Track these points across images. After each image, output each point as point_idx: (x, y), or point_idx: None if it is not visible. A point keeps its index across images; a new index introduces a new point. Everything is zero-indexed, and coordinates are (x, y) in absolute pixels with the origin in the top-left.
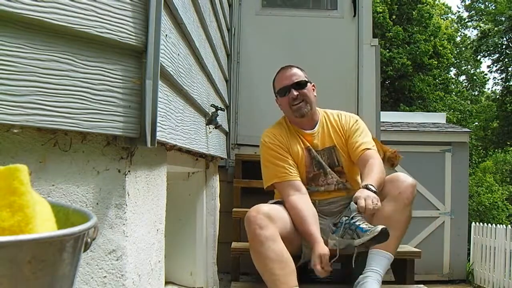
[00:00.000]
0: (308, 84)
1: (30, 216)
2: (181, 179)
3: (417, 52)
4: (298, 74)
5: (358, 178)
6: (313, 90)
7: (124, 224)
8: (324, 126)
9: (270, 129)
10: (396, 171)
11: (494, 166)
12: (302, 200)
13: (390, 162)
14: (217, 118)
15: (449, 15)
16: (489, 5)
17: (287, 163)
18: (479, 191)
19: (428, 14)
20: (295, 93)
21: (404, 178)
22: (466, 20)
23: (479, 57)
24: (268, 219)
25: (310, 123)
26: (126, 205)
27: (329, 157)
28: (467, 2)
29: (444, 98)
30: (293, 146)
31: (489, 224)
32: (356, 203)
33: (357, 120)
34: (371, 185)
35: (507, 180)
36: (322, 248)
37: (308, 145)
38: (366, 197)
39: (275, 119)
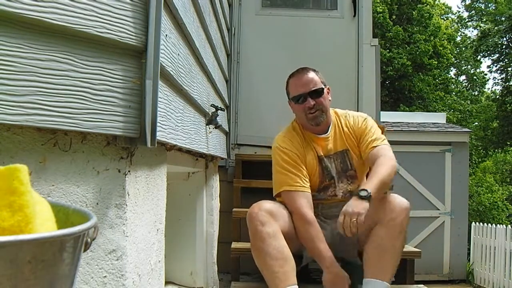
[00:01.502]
0: (324, 90)
1: (30, 216)
2: (181, 179)
3: (417, 52)
4: (315, 80)
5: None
6: (328, 94)
7: (124, 224)
8: (336, 129)
9: (285, 134)
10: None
11: (494, 166)
12: (313, 216)
13: None
14: (217, 118)
15: (449, 15)
16: (489, 5)
17: (302, 173)
18: (479, 191)
19: (428, 14)
20: (312, 102)
21: (397, 202)
22: (466, 20)
23: (479, 57)
24: (270, 216)
25: (323, 127)
26: (126, 205)
27: (342, 161)
28: (467, 2)
29: (444, 98)
30: (308, 156)
31: (489, 224)
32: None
33: (365, 119)
34: (363, 189)
35: (507, 180)
36: (335, 275)
37: (321, 153)
38: (347, 214)
39: (275, 119)
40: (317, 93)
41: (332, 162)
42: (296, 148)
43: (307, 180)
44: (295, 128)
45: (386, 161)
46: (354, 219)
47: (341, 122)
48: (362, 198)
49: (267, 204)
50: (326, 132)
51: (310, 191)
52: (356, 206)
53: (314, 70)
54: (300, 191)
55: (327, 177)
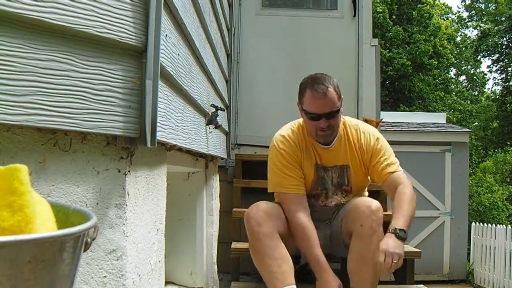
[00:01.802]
0: (340, 108)
1: (30, 216)
2: (181, 179)
3: (417, 52)
4: (333, 101)
5: (365, 193)
6: (342, 106)
7: (124, 224)
8: (342, 142)
9: (286, 134)
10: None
11: (494, 166)
12: (308, 219)
13: None
14: (217, 118)
15: (449, 15)
16: (489, 5)
17: (298, 175)
18: (479, 191)
19: (428, 14)
20: (326, 123)
21: (362, 207)
22: (466, 20)
23: (479, 57)
24: (267, 216)
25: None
26: (126, 205)
27: (339, 175)
28: (467, 2)
29: (444, 98)
30: (305, 161)
31: (489, 224)
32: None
33: (378, 139)
34: (401, 230)
35: (507, 180)
36: (327, 282)
37: (319, 162)
38: (387, 254)
39: (275, 119)
40: (333, 113)
41: (330, 174)
42: (294, 151)
43: (303, 181)
44: (298, 130)
45: (410, 194)
46: (396, 261)
47: (348, 135)
48: (399, 238)
49: (264, 205)
50: (330, 144)
51: (305, 192)
52: (396, 246)
53: (332, 82)
54: (294, 194)
55: (320, 187)
